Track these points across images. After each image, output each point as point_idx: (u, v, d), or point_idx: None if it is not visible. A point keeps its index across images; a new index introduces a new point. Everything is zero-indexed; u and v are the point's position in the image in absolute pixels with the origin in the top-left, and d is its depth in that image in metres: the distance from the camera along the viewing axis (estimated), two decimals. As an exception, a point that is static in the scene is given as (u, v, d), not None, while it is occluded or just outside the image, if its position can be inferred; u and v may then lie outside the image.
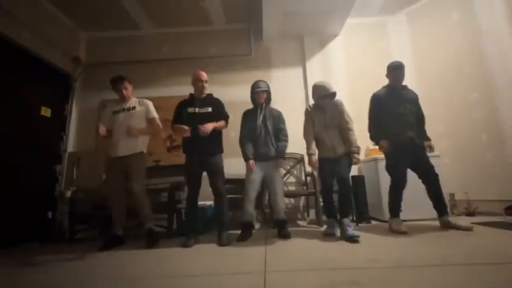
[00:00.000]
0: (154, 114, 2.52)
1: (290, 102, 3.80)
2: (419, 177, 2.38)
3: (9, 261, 2.01)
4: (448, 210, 2.35)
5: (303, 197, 3.58)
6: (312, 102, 2.65)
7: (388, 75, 2.53)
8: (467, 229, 2.12)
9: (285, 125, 2.59)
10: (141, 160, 2.45)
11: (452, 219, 2.27)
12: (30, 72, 3.13)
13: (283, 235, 2.31)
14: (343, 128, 2.39)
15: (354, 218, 2.78)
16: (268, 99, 2.60)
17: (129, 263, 1.77)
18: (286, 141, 2.52)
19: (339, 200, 2.33)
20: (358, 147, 2.36)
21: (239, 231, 2.39)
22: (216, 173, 2.35)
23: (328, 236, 2.26)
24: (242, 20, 3.91)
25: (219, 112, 2.45)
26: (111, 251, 2.18)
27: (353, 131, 2.37)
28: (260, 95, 2.52)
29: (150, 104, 2.56)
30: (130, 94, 2.54)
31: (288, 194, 3.47)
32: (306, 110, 2.56)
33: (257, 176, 2.43)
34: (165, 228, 2.72)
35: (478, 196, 3.06)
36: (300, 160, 3.61)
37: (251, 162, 2.41)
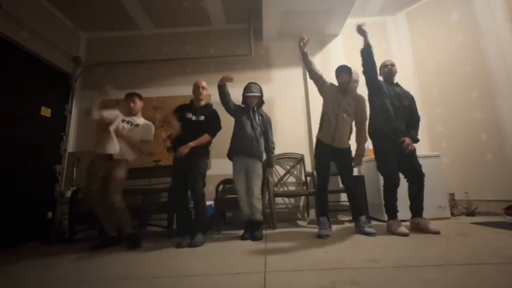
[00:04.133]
0: (150, 138, 2.56)
1: (290, 102, 3.81)
2: (405, 175, 2.35)
3: (8, 261, 2.01)
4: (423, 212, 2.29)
5: (303, 197, 3.58)
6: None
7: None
8: (435, 232, 2.11)
9: (272, 129, 2.64)
10: (124, 168, 2.39)
11: (422, 222, 2.24)
12: (30, 72, 3.12)
13: (254, 237, 2.31)
14: (358, 123, 2.40)
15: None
16: (261, 103, 2.62)
17: (126, 263, 1.77)
18: (273, 152, 2.62)
19: (350, 199, 2.40)
20: (364, 150, 2.38)
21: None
22: (196, 175, 2.34)
23: (321, 238, 2.20)
24: (242, 20, 3.91)
25: (210, 123, 2.47)
26: (105, 251, 2.17)
27: (366, 132, 2.40)
28: (252, 100, 2.54)
29: (151, 127, 2.61)
30: (138, 109, 2.62)
31: (288, 194, 3.48)
32: (330, 83, 2.46)
33: (242, 171, 2.46)
34: (165, 228, 2.71)
35: (478, 196, 3.06)
36: (300, 160, 3.62)
37: None
